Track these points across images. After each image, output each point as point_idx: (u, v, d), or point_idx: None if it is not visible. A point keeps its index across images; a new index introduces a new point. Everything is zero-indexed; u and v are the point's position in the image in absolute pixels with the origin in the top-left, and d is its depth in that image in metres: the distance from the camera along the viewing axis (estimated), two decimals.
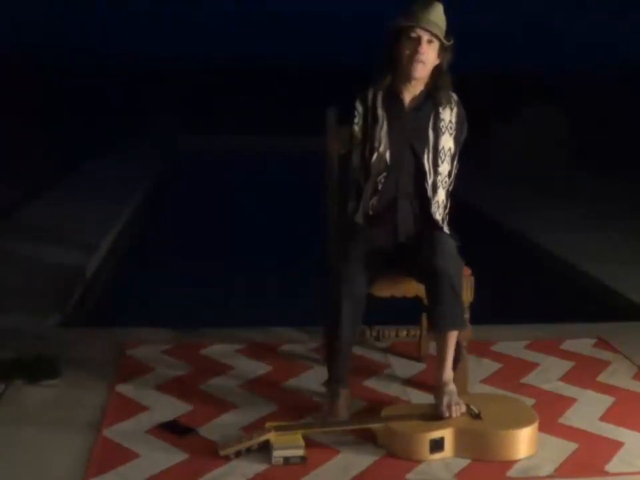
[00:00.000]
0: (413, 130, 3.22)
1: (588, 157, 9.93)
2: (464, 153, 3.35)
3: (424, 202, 3.24)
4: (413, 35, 3.12)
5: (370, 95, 3.24)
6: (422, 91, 3.23)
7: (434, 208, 3.24)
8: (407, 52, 3.14)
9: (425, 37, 3.12)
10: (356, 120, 3.25)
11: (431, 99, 3.23)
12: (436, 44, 3.15)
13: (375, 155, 3.21)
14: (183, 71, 19.69)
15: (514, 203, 8.00)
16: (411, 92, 3.23)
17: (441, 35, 3.14)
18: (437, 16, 3.15)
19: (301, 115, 10.70)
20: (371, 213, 3.25)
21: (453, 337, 3.14)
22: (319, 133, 3.51)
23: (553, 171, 9.24)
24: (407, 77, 3.19)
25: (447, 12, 3.18)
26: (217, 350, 3.88)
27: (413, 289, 3.25)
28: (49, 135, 11.62)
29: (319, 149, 3.57)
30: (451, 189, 3.30)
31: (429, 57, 3.14)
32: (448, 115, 3.23)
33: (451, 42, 3.17)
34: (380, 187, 3.23)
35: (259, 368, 3.68)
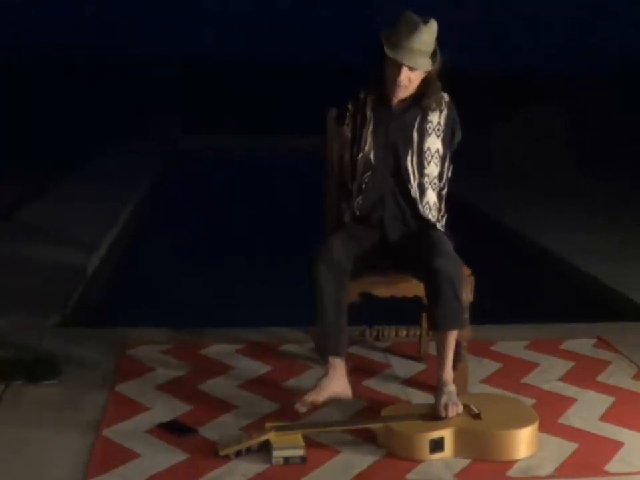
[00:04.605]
0: (398, 131, 3.24)
1: (588, 157, 9.93)
2: (464, 152, 3.35)
3: (411, 202, 3.26)
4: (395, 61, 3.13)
5: (361, 97, 3.28)
6: (412, 95, 3.25)
7: (423, 209, 3.25)
8: (389, 74, 3.16)
9: (406, 65, 3.11)
10: (347, 121, 3.30)
11: (419, 101, 3.23)
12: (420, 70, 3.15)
13: (361, 155, 3.25)
14: (183, 71, 19.71)
15: (514, 202, 8.00)
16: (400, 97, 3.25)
17: (425, 60, 3.12)
18: (422, 42, 3.10)
19: (300, 115, 10.70)
20: (357, 213, 3.28)
21: (452, 336, 3.14)
22: (318, 133, 3.52)
23: (553, 171, 9.24)
24: (392, 94, 3.21)
25: (422, 10, 3.15)
26: (217, 350, 3.88)
27: (413, 288, 3.26)
28: (49, 135, 11.62)
29: (319, 149, 3.57)
30: (445, 192, 3.31)
31: (410, 81, 3.16)
32: (436, 117, 3.24)
33: (436, 61, 3.16)
34: (364, 186, 3.26)
35: (259, 368, 3.68)
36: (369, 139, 3.25)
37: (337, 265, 3.10)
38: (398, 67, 3.13)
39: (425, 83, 3.21)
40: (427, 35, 3.11)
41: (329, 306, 3.10)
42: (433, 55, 3.16)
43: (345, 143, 3.33)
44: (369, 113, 3.26)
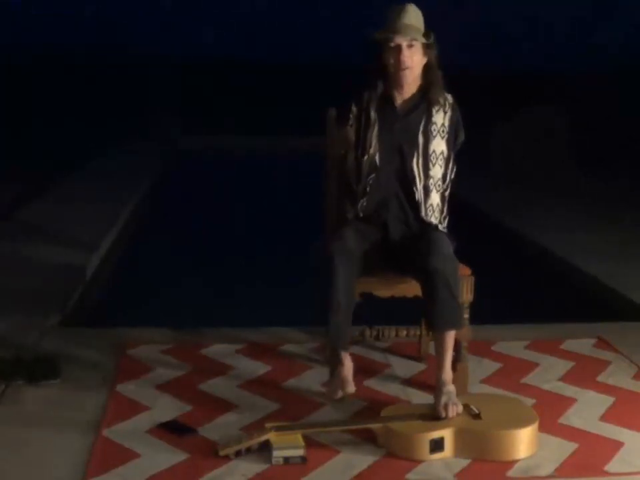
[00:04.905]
0: (403, 133, 3.25)
1: (588, 157, 9.93)
2: (465, 152, 3.35)
3: (415, 204, 3.26)
4: (392, 44, 3.16)
5: (365, 98, 3.28)
6: (414, 93, 3.26)
7: (427, 211, 3.26)
8: (392, 61, 3.19)
9: (404, 43, 3.16)
10: (350, 122, 3.29)
11: (424, 99, 3.25)
12: (418, 45, 3.18)
13: (366, 157, 3.25)
14: (183, 71, 19.71)
15: (514, 202, 8.00)
16: (404, 95, 3.26)
17: (419, 34, 3.18)
18: (411, 18, 3.18)
19: (300, 115, 10.69)
20: (361, 215, 3.29)
21: (450, 336, 3.14)
22: (319, 134, 3.52)
23: (553, 171, 9.24)
24: (398, 84, 3.23)
25: (422, 10, 3.21)
26: (217, 350, 3.88)
27: (413, 288, 3.25)
28: (49, 135, 11.62)
29: (319, 149, 3.57)
30: (447, 193, 3.31)
31: (413, 61, 3.18)
32: (441, 119, 3.26)
33: (432, 39, 3.20)
34: (369, 188, 3.26)
35: (259, 368, 3.68)
36: (374, 141, 3.24)
37: (350, 254, 3.09)
38: (398, 49, 3.16)
39: (426, 71, 3.23)
40: (415, 12, 3.20)
41: (343, 297, 3.09)
42: (427, 36, 3.20)
43: (348, 144, 3.31)
44: (373, 114, 3.25)
